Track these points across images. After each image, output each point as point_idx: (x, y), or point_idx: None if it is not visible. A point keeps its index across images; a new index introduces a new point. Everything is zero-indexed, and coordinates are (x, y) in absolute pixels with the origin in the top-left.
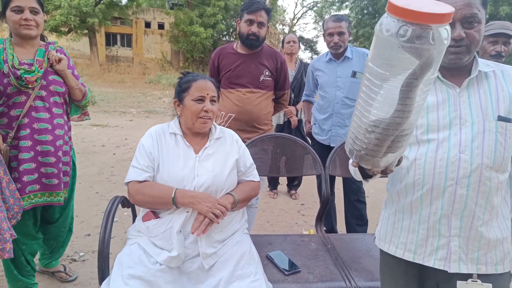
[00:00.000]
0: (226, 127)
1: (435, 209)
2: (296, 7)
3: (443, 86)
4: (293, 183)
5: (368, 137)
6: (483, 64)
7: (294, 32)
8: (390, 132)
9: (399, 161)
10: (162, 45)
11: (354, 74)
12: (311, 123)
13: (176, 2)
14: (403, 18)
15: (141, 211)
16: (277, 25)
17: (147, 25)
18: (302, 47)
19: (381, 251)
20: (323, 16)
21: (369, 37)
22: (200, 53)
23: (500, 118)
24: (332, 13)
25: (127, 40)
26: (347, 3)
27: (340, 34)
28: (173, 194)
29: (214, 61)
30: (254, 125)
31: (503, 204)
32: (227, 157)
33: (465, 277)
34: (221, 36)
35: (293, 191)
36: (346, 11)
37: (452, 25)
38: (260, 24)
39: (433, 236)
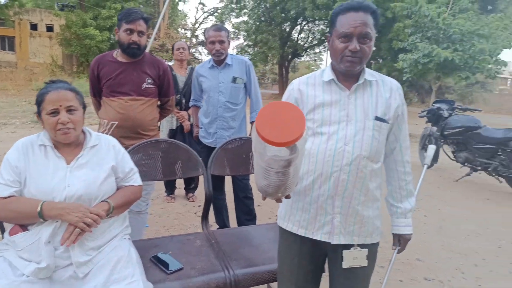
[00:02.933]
0: (109, 135)
1: (323, 191)
2: (197, 12)
3: (337, 88)
4: (190, 186)
5: (267, 187)
6: (369, 74)
7: (196, 36)
8: (280, 187)
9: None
10: (52, 49)
11: (234, 80)
12: (199, 127)
13: (67, 3)
14: (269, 144)
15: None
16: (179, 29)
17: (33, 27)
18: (205, 51)
19: (281, 232)
20: (224, 21)
21: (266, 42)
22: None
23: (377, 118)
24: (232, 19)
25: (9, 43)
26: (245, 10)
27: (221, 42)
28: (39, 208)
29: (94, 70)
30: (138, 131)
31: (378, 189)
32: (101, 164)
33: (347, 247)
34: None
35: (190, 194)
36: (244, 18)
37: (351, 39)
38: (140, 33)
39: (320, 214)
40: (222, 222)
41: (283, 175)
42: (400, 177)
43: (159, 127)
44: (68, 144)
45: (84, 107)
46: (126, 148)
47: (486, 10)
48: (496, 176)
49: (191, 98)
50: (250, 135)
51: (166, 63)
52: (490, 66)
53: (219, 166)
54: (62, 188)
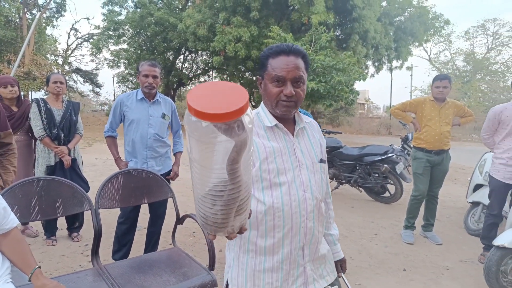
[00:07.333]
0: None
1: (295, 244)
2: (69, 38)
3: (281, 133)
4: (74, 226)
5: (213, 212)
6: (303, 117)
7: (70, 63)
8: (232, 205)
9: (249, 215)
10: None
11: (163, 116)
12: (125, 160)
13: None
14: (205, 120)
15: None
16: (48, 55)
17: None
18: (81, 79)
19: None
20: (100, 48)
21: None
22: None
23: (321, 161)
24: (110, 47)
25: None
26: (124, 38)
27: (154, 77)
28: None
29: None
30: None
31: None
32: None
33: None
34: None
35: (74, 234)
36: (124, 46)
37: (285, 84)
38: None
39: (293, 268)
40: (125, 255)
41: (232, 178)
42: (329, 207)
43: (34, 163)
44: None
45: None
46: None
47: (341, 47)
48: (357, 187)
49: (108, 127)
50: (173, 164)
51: (35, 93)
52: (347, 95)
53: (107, 200)
54: None
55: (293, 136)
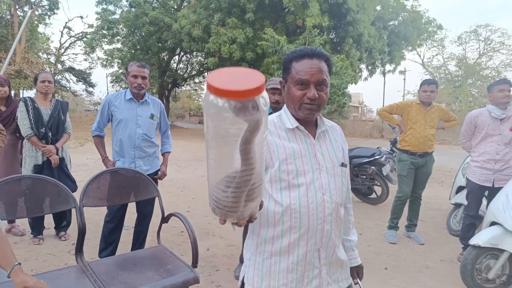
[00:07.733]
0: None
1: (310, 245)
2: (62, 36)
3: (302, 135)
4: (61, 224)
5: (225, 195)
6: (326, 120)
7: (62, 62)
8: (243, 188)
9: (261, 206)
10: None
11: (152, 116)
12: (113, 160)
13: None
14: (222, 97)
15: None
16: (40, 54)
17: None
18: (74, 78)
19: None
20: (94, 47)
21: None
22: None
23: (342, 165)
24: (104, 46)
25: None
26: (118, 37)
27: (143, 78)
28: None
29: None
30: None
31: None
32: None
33: None
34: None
35: (62, 233)
36: (118, 45)
37: (308, 86)
38: None
39: (308, 270)
40: (111, 254)
41: (245, 159)
42: (349, 213)
43: (21, 163)
44: None
45: None
46: None
47: (335, 50)
48: None
49: (96, 127)
50: (162, 164)
51: (26, 92)
52: (339, 98)
53: (93, 198)
54: None
55: (314, 138)
